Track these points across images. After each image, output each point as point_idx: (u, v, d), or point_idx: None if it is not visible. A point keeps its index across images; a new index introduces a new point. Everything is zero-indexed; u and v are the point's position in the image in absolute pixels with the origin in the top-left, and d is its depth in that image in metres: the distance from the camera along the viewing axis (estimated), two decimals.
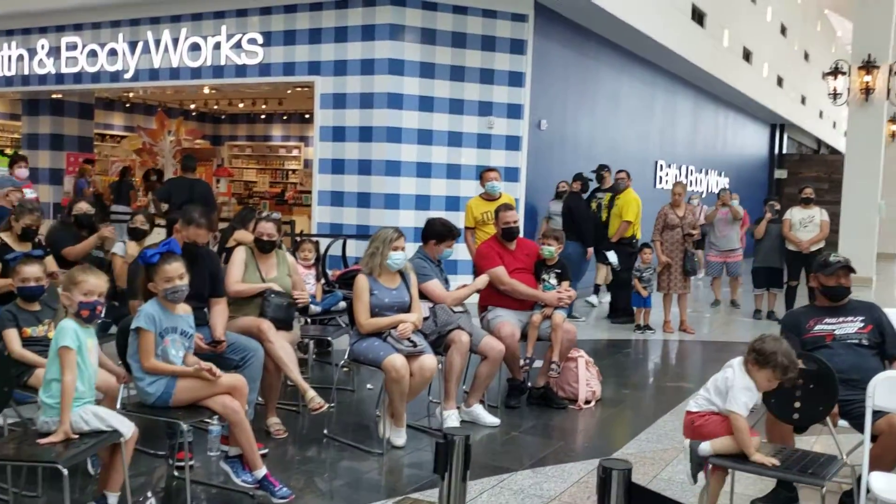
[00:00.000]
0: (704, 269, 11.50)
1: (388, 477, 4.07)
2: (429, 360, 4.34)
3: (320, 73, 9.52)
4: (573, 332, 5.42)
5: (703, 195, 15.84)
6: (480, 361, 4.90)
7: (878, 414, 3.33)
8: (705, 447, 3.11)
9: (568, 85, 10.84)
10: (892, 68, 12.80)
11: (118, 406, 3.55)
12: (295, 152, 18.95)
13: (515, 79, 9.66)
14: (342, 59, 9.36)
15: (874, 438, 3.42)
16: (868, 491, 2.96)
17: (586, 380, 5.44)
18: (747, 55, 16.69)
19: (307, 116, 13.52)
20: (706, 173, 16.76)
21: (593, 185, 9.56)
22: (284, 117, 18.65)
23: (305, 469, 4.05)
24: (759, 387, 3.11)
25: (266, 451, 4.03)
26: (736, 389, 3.09)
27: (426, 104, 9.23)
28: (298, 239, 6.85)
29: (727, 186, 15.13)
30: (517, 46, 9.59)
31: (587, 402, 5.40)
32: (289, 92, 13.36)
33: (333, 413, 4.59)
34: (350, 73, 9.32)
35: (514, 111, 9.70)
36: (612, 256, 8.60)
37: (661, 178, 14.03)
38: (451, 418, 4.69)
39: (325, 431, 4.51)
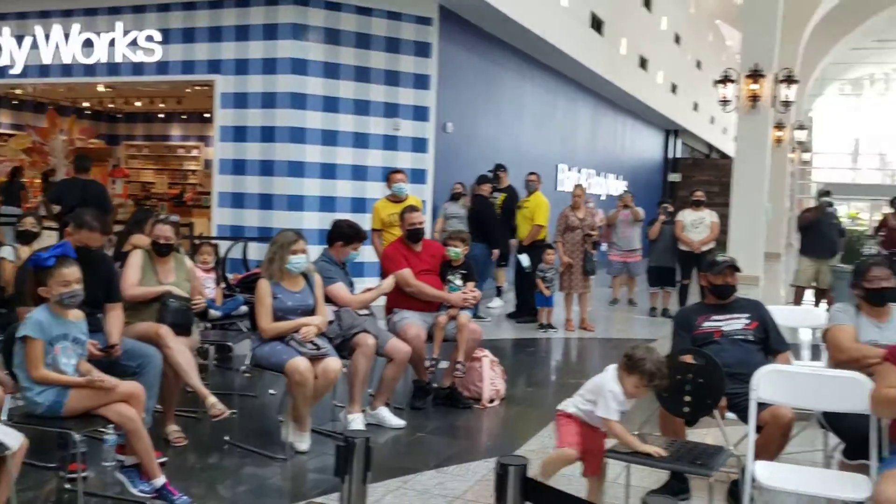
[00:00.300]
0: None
1: (292, 482, 4.03)
2: (333, 364, 4.32)
3: (221, 71, 9.32)
4: (478, 332, 5.50)
5: (603, 198, 16.32)
6: (386, 364, 4.91)
7: (762, 406, 3.53)
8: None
9: (473, 88, 10.97)
10: (777, 77, 13.47)
11: (4, 417, 3.39)
12: (194, 152, 18.44)
13: (421, 81, 9.71)
14: (243, 58, 9.19)
15: (759, 429, 3.62)
16: (753, 480, 3.13)
17: (491, 379, 5.52)
18: (643, 63, 17.28)
19: (207, 116, 13.19)
20: (605, 176, 17.26)
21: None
22: (183, 116, 18.12)
23: (207, 476, 3.96)
24: (626, 392, 3.21)
25: (165, 459, 3.92)
26: (605, 395, 3.20)
27: (331, 105, 9.17)
28: (197, 242, 6.69)
29: (627, 189, 15.59)
30: (422, 49, 9.64)
31: (491, 401, 5.49)
32: (188, 91, 12.99)
33: (235, 419, 4.51)
34: (252, 72, 9.16)
35: (420, 113, 9.75)
36: (524, 259, 8.77)
37: (562, 180, 14.36)
38: (356, 421, 4.68)
39: (227, 438, 4.43)
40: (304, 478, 4.08)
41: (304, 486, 3.95)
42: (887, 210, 13.29)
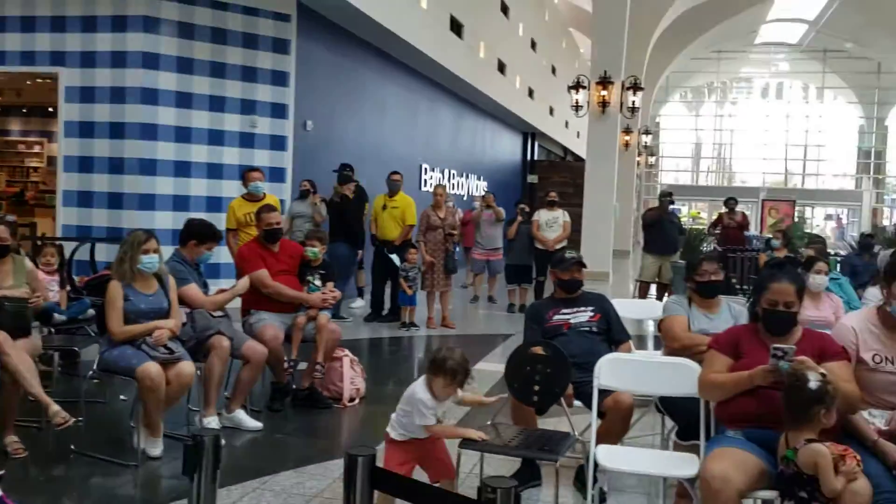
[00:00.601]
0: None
1: (144, 489, 3.90)
2: (186, 367, 4.22)
3: (65, 64, 8.82)
4: (338, 332, 5.51)
5: (465, 198, 16.65)
6: (242, 366, 4.83)
7: (605, 393, 3.76)
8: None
9: (334, 87, 10.93)
10: (625, 84, 14.21)
11: None
12: (36, 148, 17.32)
13: (279, 78, 9.57)
14: (90, 51, 8.74)
15: (604, 415, 3.85)
16: (596, 463, 3.33)
17: (351, 378, 5.55)
18: (502, 67, 17.76)
19: (51, 110, 12.43)
20: (467, 177, 17.62)
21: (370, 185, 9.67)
22: (24, 110, 16.98)
23: (51, 489, 3.78)
24: (436, 395, 3.21)
25: (3, 472, 3.70)
26: (416, 405, 3.19)
27: (184, 100, 8.88)
28: (40, 243, 6.33)
29: (488, 189, 15.97)
30: (280, 46, 9.51)
31: (352, 400, 5.51)
32: (28, 83, 12.22)
33: (82, 427, 4.30)
34: (99, 65, 8.73)
35: (278, 111, 9.61)
36: (396, 259, 8.80)
37: (425, 180, 14.55)
38: (212, 425, 4.59)
39: (73, 447, 4.22)
40: (158, 484, 3.96)
41: (158, 493, 3.85)
42: (723, 210, 14.35)
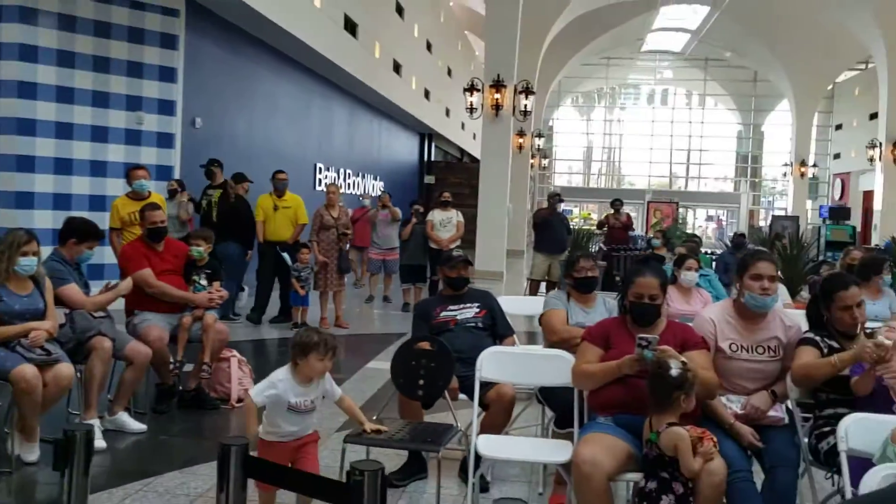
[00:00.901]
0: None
1: (19, 495, 3.78)
2: (65, 369, 4.10)
3: None
4: (225, 332, 5.45)
5: (362, 198, 16.61)
6: (125, 367, 4.73)
7: (490, 386, 3.89)
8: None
9: (224, 84, 10.74)
10: (517, 88, 14.55)
11: None
12: None
13: (167, 74, 9.34)
14: None
15: (487, 407, 3.99)
16: (477, 453, 3.44)
17: (239, 378, 5.50)
18: (397, 68, 17.85)
19: None
20: (363, 177, 17.61)
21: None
22: None
23: None
24: (315, 372, 3.16)
25: None
26: (277, 383, 3.13)
27: (65, 95, 8.54)
28: None
29: (384, 189, 16.01)
30: (168, 41, 9.28)
31: (240, 400, 5.46)
32: None
33: None
34: None
35: (165, 107, 9.37)
36: (288, 259, 8.71)
37: (319, 180, 14.47)
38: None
39: None
40: (33, 489, 3.84)
41: (34, 499, 3.73)
42: (608, 211, 14.91)
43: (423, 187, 22.85)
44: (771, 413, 3.28)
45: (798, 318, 3.61)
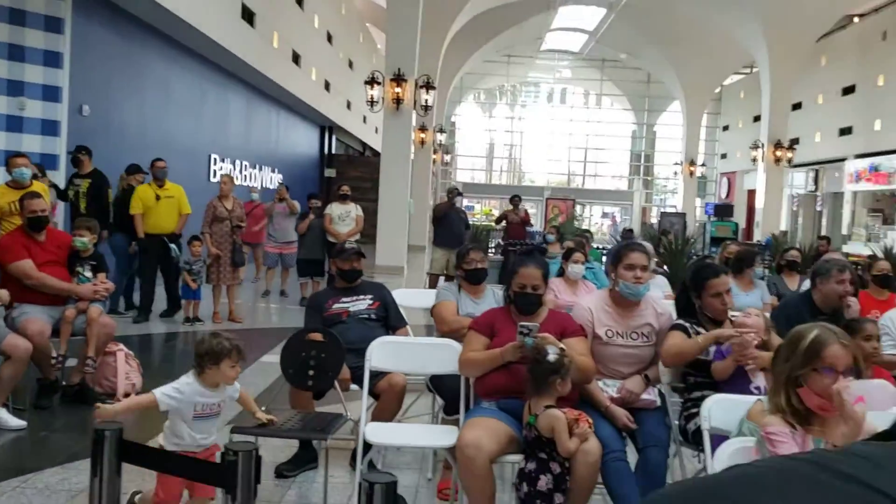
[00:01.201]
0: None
1: None
2: None
3: None
4: (111, 325, 5.30)
5: (251, 190, 16.32)
6: (3, 362, 4.54)
7: (381, 375, 3.95)
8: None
9: (114, 70, 10.36)
10: (418, 82, 14.64)
11: None
12: None
13: (52, 59, 8.95)
14: None
15: (379, 397, 4.04)
16: (366, 441, 3.49)
17: (126, 373, 5.37)
18: (297, 58, 17.61)
19: None
20: (260, 169, 17.32)
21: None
22: None
23: None
24: (227, 379, 3.11)
25: None
26: (188, 392, 3.04)
27: None
28: None
29: (282, 182, 15.82)
30: (53, 24, 8.89)
31: (127, 395, 5.32)
32: None
33: None
34: None
35: (50, 93, 8.98)
36: (174, 250, 8.47)
37: (214, 171, 14.15)
38: None
39: None
40: None
41: None
42: (508, 207, 15.19)
43: (323, 180, 22.65)
44: (644, 396, 3.46)
45: (670, 307, 3.82)
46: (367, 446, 3.43)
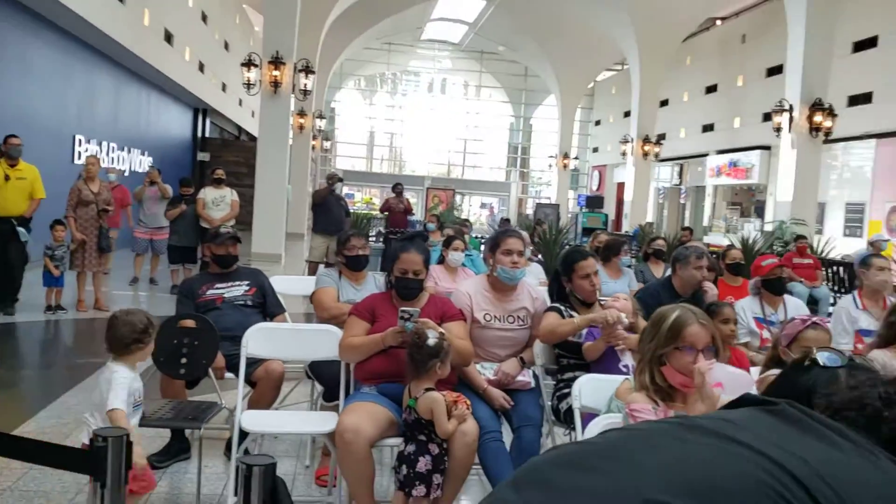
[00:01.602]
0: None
1: None
2: None
3: None
4: None
5: (126, 173, 15.61)
6: None
7: (259, 363, 3.87)
8: None
9: None
10: (297, 66, 14.37)
11: None
12: None
13: None
14: None
15: (256, 385, 3.97)
16: (242, 429, 3.42)
17: None
18: (169, 37, 16.92)
19: None
20: (129, 151, 16.55)
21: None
22: None
23: None
24: (145, 356, 3.02)
25: None
26: (116, 387, 2.88)
27: None
28: None
29: (153, 165, 15.17)
30: None
31: None
32: None
33: None
34: None
35: None
36: (24, 234, 7.95)
37: (79, 153, 13.40)
38: None
39: None
40: None
41: None
42: (390, 195, 15.20)
43: (196, 165, 21.90)
44: (519, 378, 3.57)
45: (545, 293, 3.95)
46: (244, 435, 3.37)
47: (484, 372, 3.54)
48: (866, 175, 17.26)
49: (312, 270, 11.05)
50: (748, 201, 23.07)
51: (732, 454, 1.18)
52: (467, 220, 12.26)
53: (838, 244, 14.43)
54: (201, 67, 20.03)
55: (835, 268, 11.57)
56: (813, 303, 9.33)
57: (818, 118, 13.59)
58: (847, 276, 10.88)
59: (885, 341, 3.62)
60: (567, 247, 10.47)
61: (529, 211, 32.93)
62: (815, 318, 3.18)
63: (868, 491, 1.11)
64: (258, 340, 3.66)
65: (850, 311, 4.60)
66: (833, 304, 8.74)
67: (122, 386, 2.85)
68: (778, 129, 14.06)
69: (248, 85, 14.14)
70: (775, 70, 19.33)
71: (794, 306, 4.85)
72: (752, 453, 1.18)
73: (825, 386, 1.66)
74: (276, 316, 4.52)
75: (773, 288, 4.89)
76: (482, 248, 10.63)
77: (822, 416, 1.37)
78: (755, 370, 3.47)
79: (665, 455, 1.19)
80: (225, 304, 4.33)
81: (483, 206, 38.21)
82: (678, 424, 1.36)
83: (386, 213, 14.79)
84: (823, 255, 12.22)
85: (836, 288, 11.12)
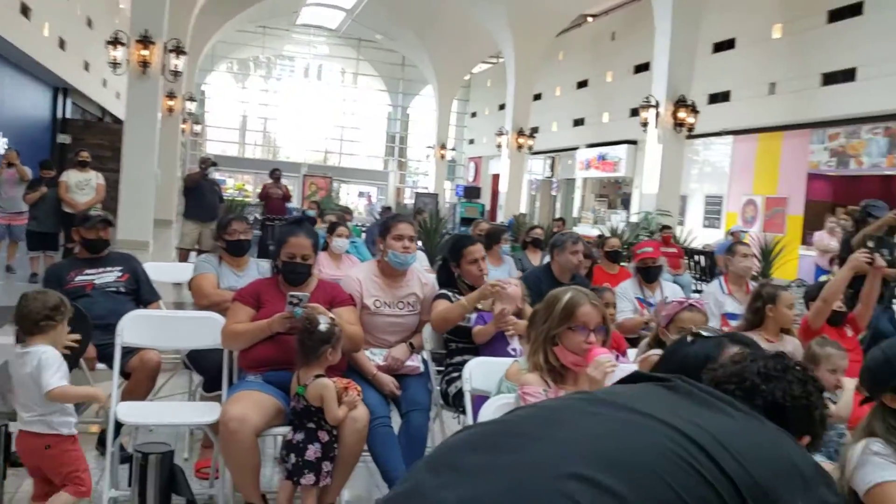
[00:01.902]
0: None
1: None
2: None
3: None
4: None
5: None
6: None
7: (133, 353, 3.68)
8: None
9: None
10: (167, 46, 13.76)
11: None
12: None
13: None
14: None
15: (130, 375, 3.77)
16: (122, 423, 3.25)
17: None
18: (25, 10, 15.80)
19: None
20: None
21: None
22: None
23: None
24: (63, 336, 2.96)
25: None
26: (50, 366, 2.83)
27: None
28: None
29: (10, 146, 14.14)
30: None
31: None
32: None
33: None
34: None
35: None
36: None
37: None
38: None
39: None
40: None
41: None
42: (268, 181, 14.84)
43: (56, 147, 20.61)
44: (408, 363, 3.57)
45: (433, 279, 3.97)
46: (118, 428, 3.20)
47: (373, 358, 3.52)
48: (724, 170, 18.33)
49: (183, 258, 10.64)
50: (615, 194, 24.00)
51: (642, 426, 1.23)
52: (347, 208, 12.13)
53: (699, 235, 15.28)
54: (62, 44, 18.84)
55: (696, 257, 12.24)
56: None
57: (682, 114, 14.27)
58: (708, 264, 11.54)
59: (750, 325, 3.86)
60: (447, 236, 10.58)
61: (408, 200, 33.01)
62: (691, 300, 3.35)
63: (761, 452, 1.22)
64: (134, 329, 3.49)
65: (716, 295, 4.87)
66: (695, 292, 9.24)
67: (54, 360, 2.80)
68: (645, 124, 14.68)
69: (115, 64, 13.44)
70: (642, 67, 20.15)
71: (672, 291, 5.11)
72: (658, 423, 1.24)
73: (712, 360, 1.75)
74: (150, 303, 4.33)
75: (646, 276, 5.13)
76: (363, 235, 10.58)
77: (710, 388, 1.46)
78: (632, 352, 3.62)
79: (580, 430, 1.22)
80: (96, 291, 4.10)
81: (361, 194, 37.96)
82: (585, 399, 1.40)
83: (263, 199, 14.43)
84: (686, 244, 12.89)
85: (697, 276, 11.77)
